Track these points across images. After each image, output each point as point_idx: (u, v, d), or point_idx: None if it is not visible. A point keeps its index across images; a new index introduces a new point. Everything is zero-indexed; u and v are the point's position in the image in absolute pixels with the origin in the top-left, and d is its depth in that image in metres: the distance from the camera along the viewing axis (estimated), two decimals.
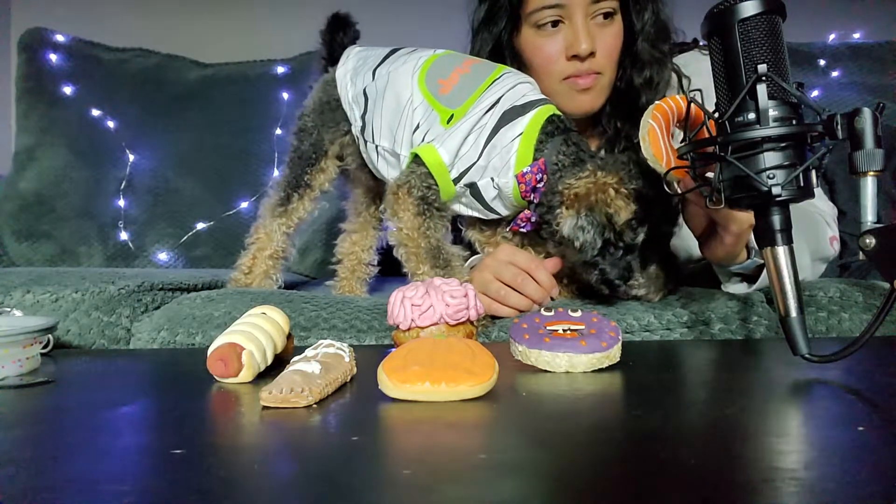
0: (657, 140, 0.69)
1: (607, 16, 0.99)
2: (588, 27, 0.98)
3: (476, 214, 0.99)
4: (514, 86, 0.94)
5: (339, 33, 1.16)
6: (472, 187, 0.93)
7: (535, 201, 0.91)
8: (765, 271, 0.83)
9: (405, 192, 0.91)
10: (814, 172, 0.57)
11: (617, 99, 1.06)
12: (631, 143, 1.03)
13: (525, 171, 0.90)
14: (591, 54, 0.98)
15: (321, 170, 1.10)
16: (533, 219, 0.93)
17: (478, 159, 0.91)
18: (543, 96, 0.96)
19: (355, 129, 1.06)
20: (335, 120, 1.09)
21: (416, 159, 0.93)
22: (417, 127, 0.96)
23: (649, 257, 0.86)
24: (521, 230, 0.95)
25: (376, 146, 1.02)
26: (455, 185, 0.92)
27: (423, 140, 0.95)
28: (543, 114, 0.91)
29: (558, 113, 0.93)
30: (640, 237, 0.83)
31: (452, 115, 0.93)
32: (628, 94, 1.04)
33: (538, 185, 0.89)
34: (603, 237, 0.82)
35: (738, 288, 0.87)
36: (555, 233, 0.86)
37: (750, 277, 0.87)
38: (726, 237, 0.77)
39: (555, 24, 0.99)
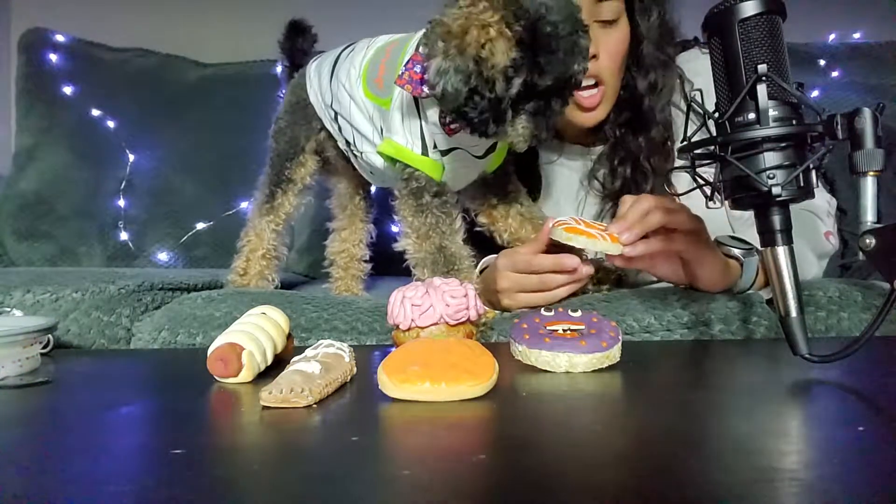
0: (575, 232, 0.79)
1: (611, 21, 0.95)
2: (591, 29, 0.93)
3: (470, 173, 0.96)
4: (416, 39, 0.91)
5: (299, 39, 1.18)
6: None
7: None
8: (759, 275, 0.84)
9: (403, 194, 0.91)
10: (814, 172, 0.57)
11: (620, 105, 1.02)
12: (631, 150, 1.01)
13: (400, 73, 0.84)
14: (594, 57, 0.93)
15: (300, 164, 1.10)
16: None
17: (421, 118, 0.89)
18: None
19: (342, 145, 1.07)
20: (306, 118, 1.10)
21: (389, 158, 0.92)
22: (382, 130, 0.96)
23: (527, 107, 0.78)
24: (454, 128, 0.87)
25: (361, 153, 1.03)
26: (429, 155, 0.90)
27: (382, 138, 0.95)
28: None
29: None
30: (515, 89, 0.75)
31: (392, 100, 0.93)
32: (631, 99, 1.01)
33: (424, 78, 0.82)
34: (468, 85, 0.74)
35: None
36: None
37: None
38: (706, 267, 0.78)
39: None
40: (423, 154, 0.90)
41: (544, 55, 0.74)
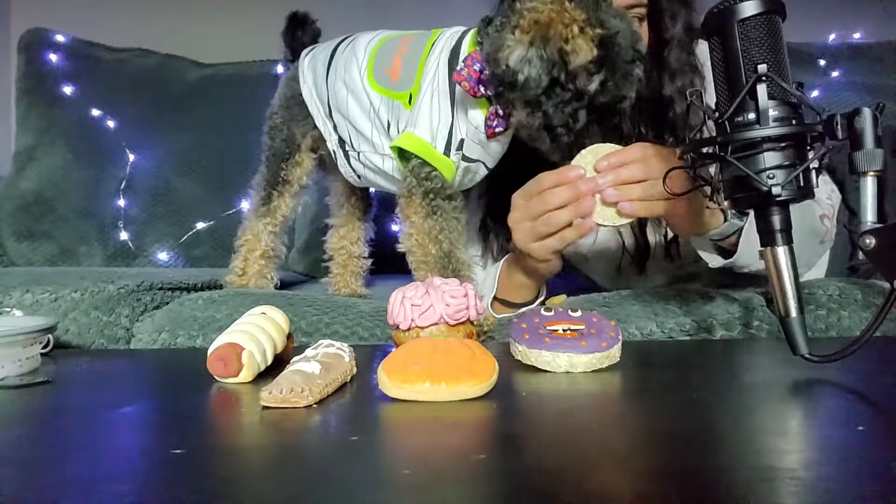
0: None
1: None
2: None
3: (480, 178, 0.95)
4: (448, 36, 0.91)
5: (297, 31, 1.17)
6: (463, 144, 0.90)
7: (490, 94, 0.83)
8: (741, 244, 0.80)
9: (412, 193, 0.89)
10: (814, 172, 0.57)
11: (641, 107, 0.94)
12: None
13: (458, 68, 0.84)
14: None
15: (296, 164, 1.09)
16: (500, 111, 0.85)
17: (453, 117, 0.88)
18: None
19: (331, 145, 1.05)
20: (303, 114, 1.08)
21: (403, 154, 0.91)
22: (389, 125, 0.95)
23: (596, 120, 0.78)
24: (497, 132, 0.87)
25: (358, 154, 1.02)
26: (449, 156, 0.89)
27: (398, 132, 0.94)
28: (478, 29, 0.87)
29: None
30: (594, 85, 0.76)
31: (411, 95, 0.91)
32: (658, 103, 0.96)
33: (482, 77, 0.82)
34: (550, 75, 0.75)
35: (715, 261, 0.83)
36: (500, 69, 0.76)
37: (728, 252, 0.83)
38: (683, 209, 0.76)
39: None
40: (444, 153, 0.89)
41: (608, 73, 0.75)
